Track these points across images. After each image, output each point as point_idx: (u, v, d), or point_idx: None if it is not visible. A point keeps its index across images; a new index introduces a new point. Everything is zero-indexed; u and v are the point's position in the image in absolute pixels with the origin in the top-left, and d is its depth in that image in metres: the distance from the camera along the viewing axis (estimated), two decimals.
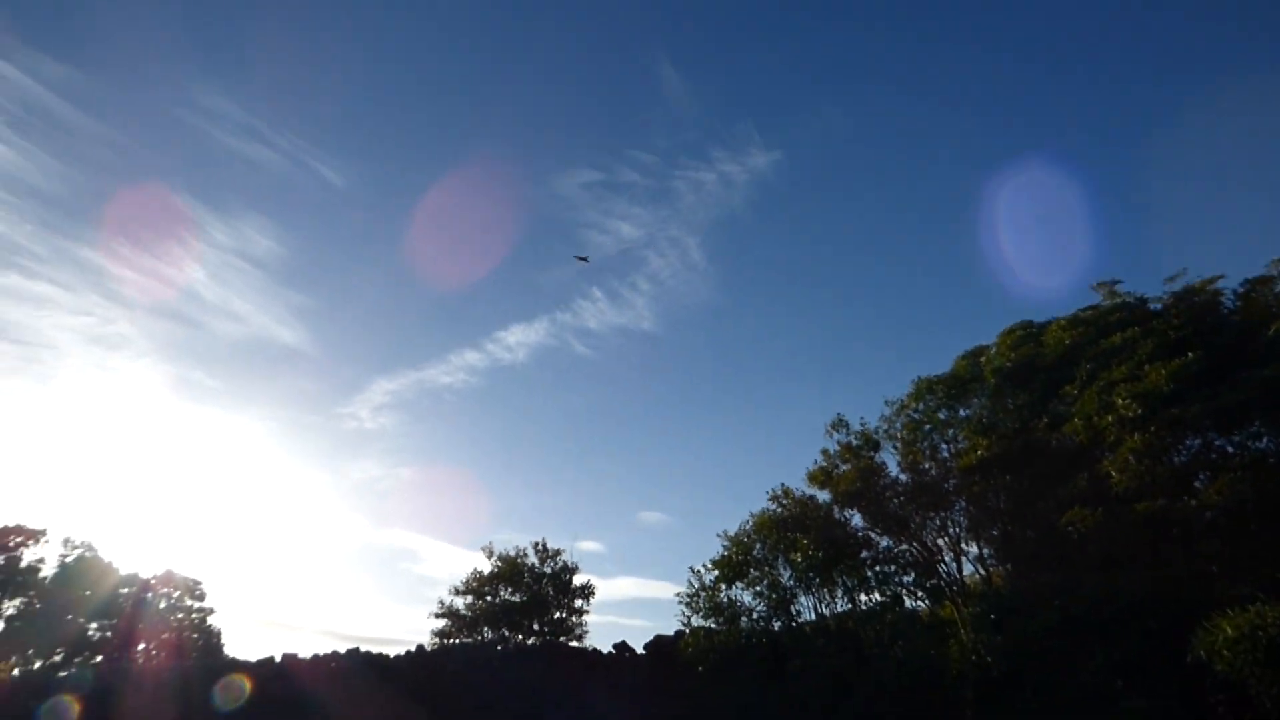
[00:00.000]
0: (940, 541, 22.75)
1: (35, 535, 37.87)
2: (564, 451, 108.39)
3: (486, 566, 26.60)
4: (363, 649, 22.81)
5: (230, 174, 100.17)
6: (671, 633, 24.91)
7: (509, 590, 25.72)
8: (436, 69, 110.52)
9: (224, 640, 43.19)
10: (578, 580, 26.69)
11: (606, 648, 25.03)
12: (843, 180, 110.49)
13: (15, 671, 32.80)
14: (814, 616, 23.99)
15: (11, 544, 36.86)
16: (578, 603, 26.10)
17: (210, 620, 43.92)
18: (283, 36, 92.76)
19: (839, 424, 24.10)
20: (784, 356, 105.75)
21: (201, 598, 43.66)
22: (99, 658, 36.92)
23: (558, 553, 26.62)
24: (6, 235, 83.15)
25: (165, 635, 40.95)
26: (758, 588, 23.77)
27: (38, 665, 35.81)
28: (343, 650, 22.89)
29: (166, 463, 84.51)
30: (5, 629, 36.60)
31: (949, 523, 22.25)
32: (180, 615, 42.63)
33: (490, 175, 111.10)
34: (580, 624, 25.91)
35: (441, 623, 25.53)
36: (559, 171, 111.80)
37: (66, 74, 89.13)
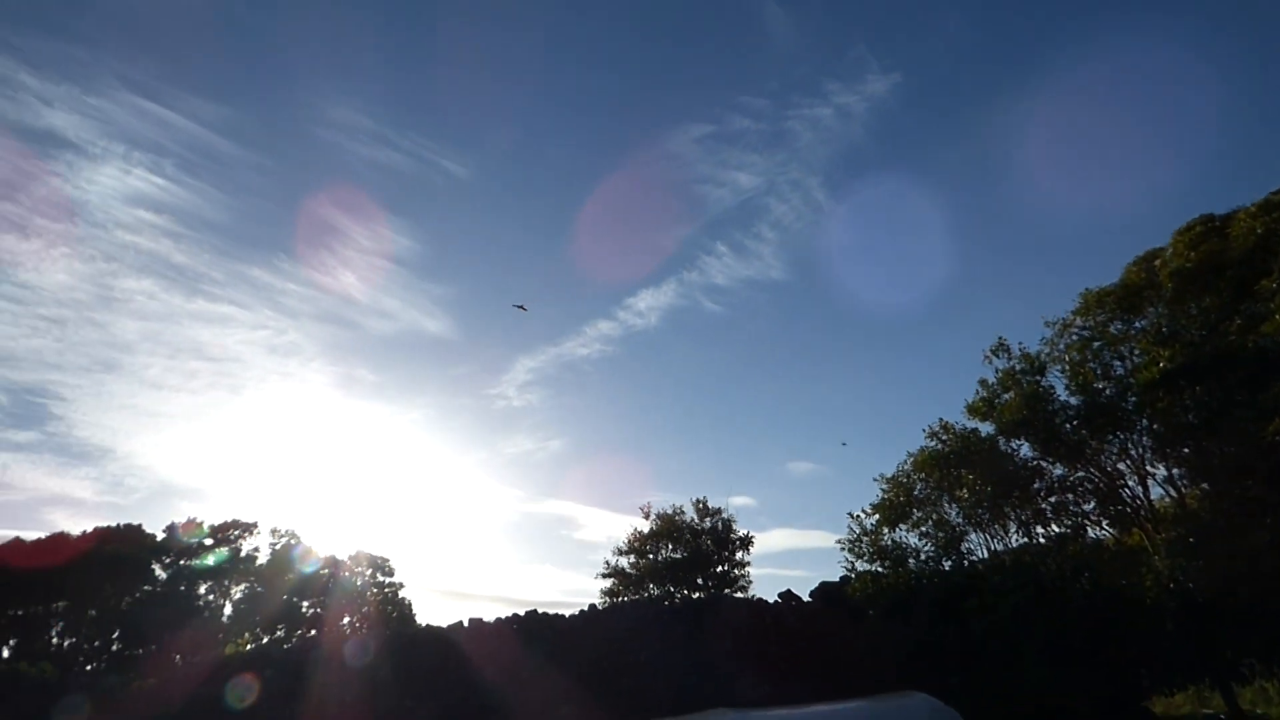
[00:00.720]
0: (1122, 465, 21.17)
1: (249, 528, 42.81)
2: (706, 410, 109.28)
3: (645, 526, 27.46)
4: (538, 611, 24.12)
5: (366, 181, 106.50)
6: (836, 579, 24.78)
7: (670, 547, 26.47)
8: (539, 43, 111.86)
9: (413, 610, 47.24)
10: (736, 533, 27.04)
11: (770, 599, 25.25)
12: (972, 93, 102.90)
13: (248, 646, 37.33)
14: (985, 554, 23.09)
15: (231, 536, 41.82)
16: (738, 555, 26.49)
17: (400, 593, 48.06)
18: (393, 42, 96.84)
19: (999, 349, 22.60)
20: (925, 288, 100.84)
21: (390, 573, 47.76)
22: (312, 631, 41.40)
23: (717, 511, 27.10)
24: (190, 266, 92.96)
25: (364, 608, 45.28)
26: (923, 528, 23.11)
27: (265, 640, 40.62)
28: (517, 614, 24.38)
29: (344, 453, 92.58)
30: (234, 610, 41.71)
31: (1130, 444, 20.62)
32: (374, 590, 46.89)
33: (603, 143, 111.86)
34: (742, 575, 26.31)
35: (608, 582, 26.71)
36: (669, 129, 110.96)
37: (221, 113, 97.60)
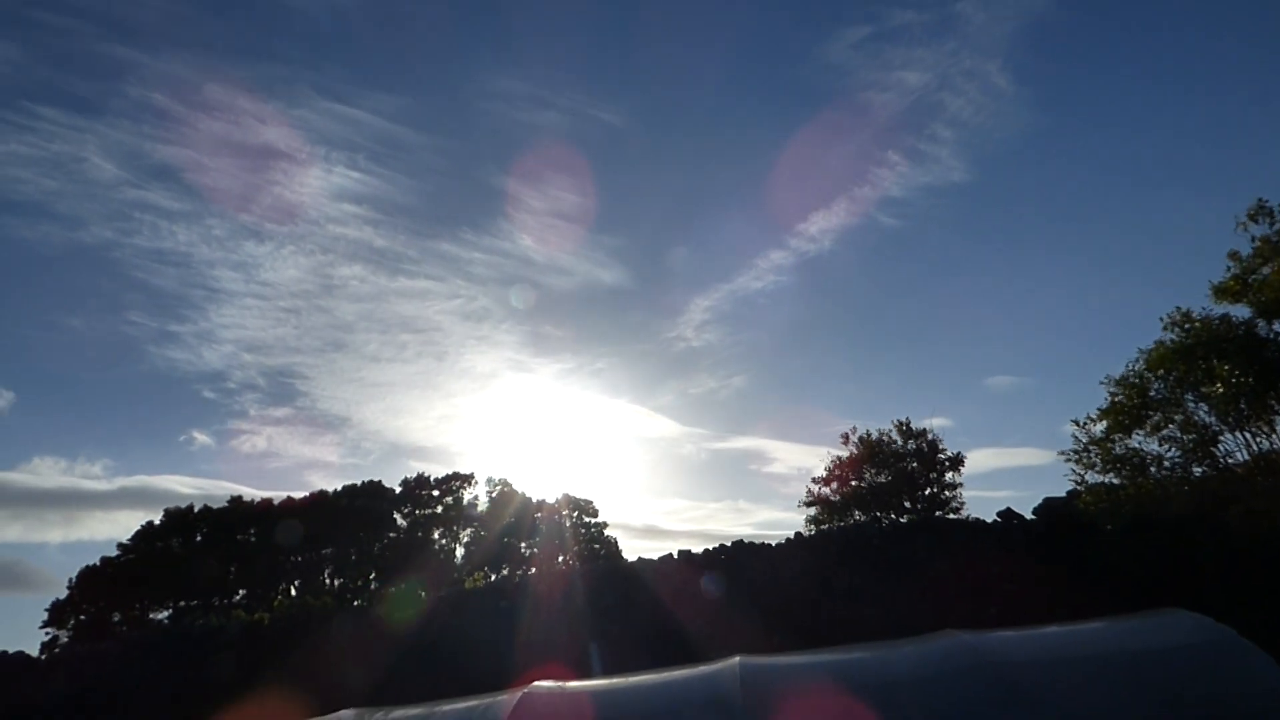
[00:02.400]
0: None
1: (468, 479, 47.06)
2: (892, 331, 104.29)
3: (845, 453, 26.77)
4: (744, 542, 24.35)
5: (529, 144, 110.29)
6: (1063, 494, 22.83)
7: (874, 472, 25.65)
8: None
9: (618, 547, 49.84)
10: (944, 452, 25.65)
11: (986, 520, 23.79)
12: None
13: (481, 583, 41.30)
14: (1246, 456, 20.13)
15: (455, 488, 46.20)
16: (949, 475, 25.14)
17: (605, 532, 50.77)
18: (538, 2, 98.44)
19: (1258, 212, 18.81)
20: (1138, 165, 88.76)
21: (595, 514, 50.53)
22: (532, 569, 44.94)
23: (921, 432, 25.82)
24: (390, 248, 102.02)
25: (573, 547, 48.43)
26: (1164, 431, 20.50)
27: (494, 578, 44.79)
28: (724, 544, 24.80)
29: (540, 405, 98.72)
30: (465, 553, 46.20)
31: None
32: (582, 530, 49.90)
33: (755, 67, 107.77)
34: (954, 496, 24.98)
35: (812, 510, 26.42)
36: (824, 39, 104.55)
37: (398, 103, 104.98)
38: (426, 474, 46.93)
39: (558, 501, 49.58)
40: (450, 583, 40.82)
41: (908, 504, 25.16)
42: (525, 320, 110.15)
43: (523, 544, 46.21)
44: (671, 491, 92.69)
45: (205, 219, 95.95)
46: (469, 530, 45.85)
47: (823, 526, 25.74)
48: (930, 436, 26.06)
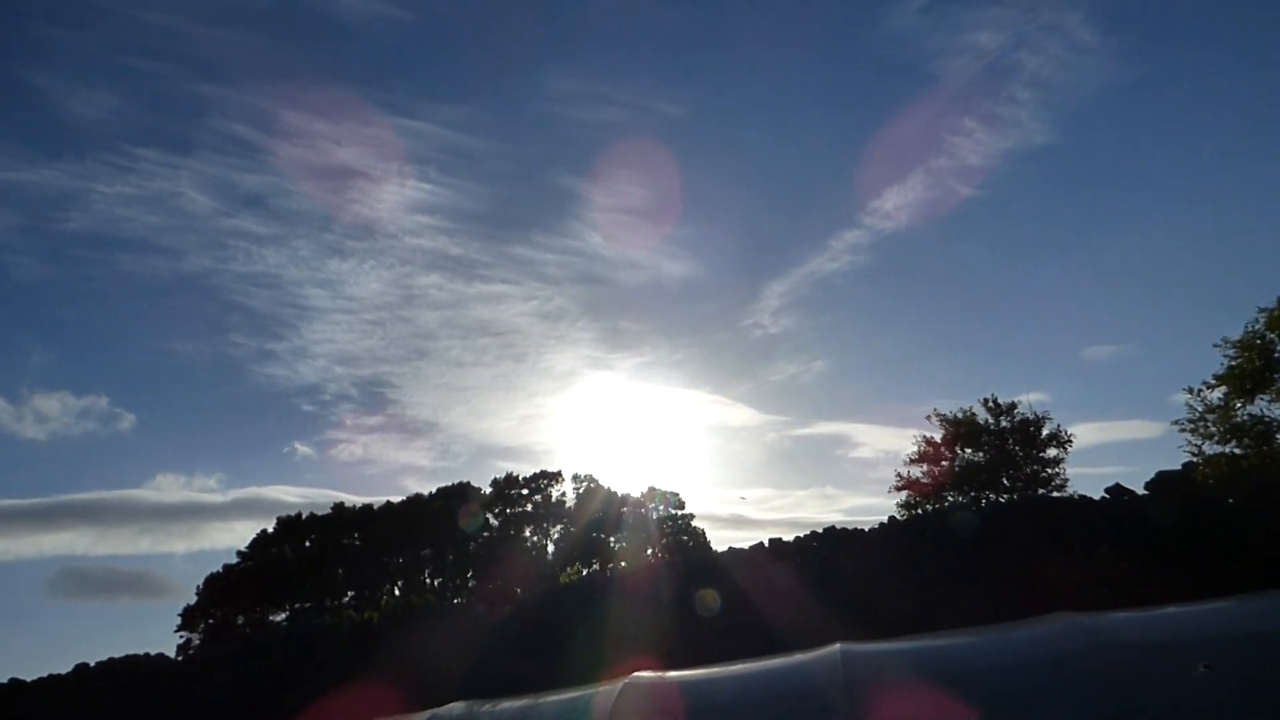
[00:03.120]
0: None
1: (555, 477, 47.99)
2: (977, 305, 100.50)
3: (935, 434, 25.91)
4: (836, 528, 23.94)
5: (592, 142, 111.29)
6: (1178, 467, 21.48)
7: (968, 452, 24.73)
8: None
9: (706, 538, 49.87)
10: (1045, 429, 24.44)
11: (1094, 496, 22.62)
12: None
13: (573, 578, 42.05)
14: None
15: (543, 485, 47.19)
16: (1050, 452, 23.97)
17: (693, 524, 50.86)
18: None
19: None
20: (1239, 112, 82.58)
21: (681, 506, 50.67)
22: (622, 563, 45.42)
23: (1012, 406, 24.69)
24: (464, 255, 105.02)
25: (662, 539, 48.72)
26: None
27: (584, 572, 45.55)
28: (815, 531, 24.43)
29: (621, 400, 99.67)
30: (555, 549, 47.15)
31: None
32: (669, 523, 50.11)
33: (816, 44, 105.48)
34: (1057, 474, 23.79)
35: (903, 494, 25.71)
36: (887, 8, 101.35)
37: (461, 112, 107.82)
38: (515, 473, 48.13)
39: (644, 495, 49.92)
40: (542, 579, 41.74)
41: (1006, 483, 24.16)
42: (600, 317, 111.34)
43: (611, 538, 46.78)
44: (756, 481, 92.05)
45: (291, 241, 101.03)
46: (558, 527, 46.74)
47: (915, 510, 25.01)
48: (1023, 413, 24.94)
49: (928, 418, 26.27)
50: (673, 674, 8.32)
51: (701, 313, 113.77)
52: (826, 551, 23.28)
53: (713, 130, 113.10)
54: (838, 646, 7.80)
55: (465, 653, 21.96)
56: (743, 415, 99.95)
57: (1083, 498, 22.15)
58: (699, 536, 49.16)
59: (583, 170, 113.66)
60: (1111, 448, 72.04)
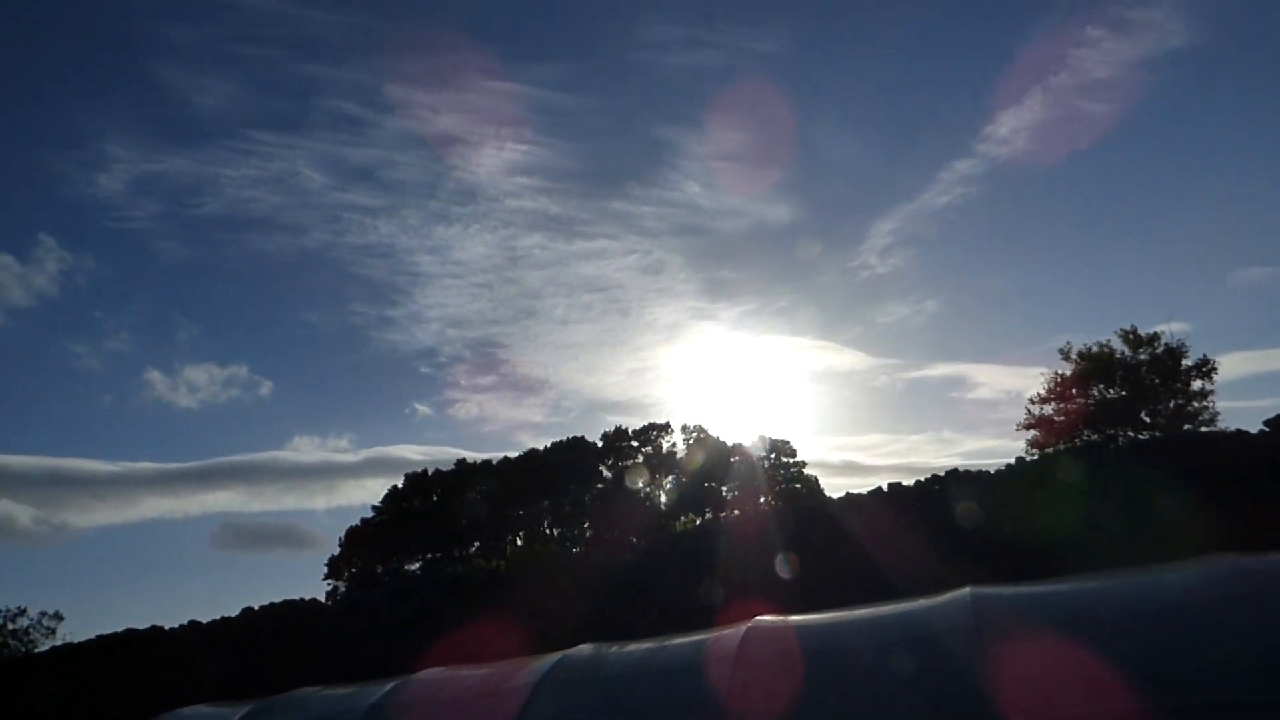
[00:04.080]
0: None
1: (664, 429, 48.62)
2: (1106, 231, 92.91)
3: (1064, 369, 24.34)
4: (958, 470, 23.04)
5: (688, 88, 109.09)
6: None
7: (1103, 388, 23.12)
8: None
9: (819, 485, 49.41)
10: (1187, 359, 22.50)
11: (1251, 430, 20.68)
12: None
13: (686, 527, 42.74)
14: None
15: (653, 437, 47.92)
16: (1196, 384, 22.06)
17: (805, 471, 50.43)
18: None
19: None
20: None
21: (792, 454, 50.29)
22: (734, 511, 45.70)
23: (1154, 337, 22.79)
24: (564, 213, 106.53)
25: (774, 487, 48.61)
26: None
27: (696, 521, 46.20)
28: (936, 475, 23.59)
29: (727, 349, 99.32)
30: (667, 499, 47.93)
31: None
32: (780, 471, 49.85)
33: None
34: (1205, 408, 21.90)
35: (1031, 433, 24.42)
36: None
37: (554, 71, 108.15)
38: (625, 426, 49.10)
39: (753, 444, 49.87)
40: (656, 528, 42.61)
41: (1146, 419, 22.47)
42: (702, 268, 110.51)
43: (722, 487, 47.11)
44: (868, 427, 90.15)
45: (401, 210, 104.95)
46: (669, 477, 47.49)
47: (1046, 450, 23.71)
48: (1165, 343, 22.96)
49: (1062, 352, 24.64)
50: (795, 618, 8.30)
51: (805, 257, 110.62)
52: (947, 496, 22.48)
53: (810, 66, 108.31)
54: (967, 590, 7.53)
55: (586, 599, 22.81)
56: (851, 360, 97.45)
57: (1237, 431, 20.31)
58: (811, 484, 48.79)
59: (678, 119, 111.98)
60: (1267, 378, 65.52)
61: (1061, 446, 23.18)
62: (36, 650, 27.49)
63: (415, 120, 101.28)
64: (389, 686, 9.18)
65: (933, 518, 22.38)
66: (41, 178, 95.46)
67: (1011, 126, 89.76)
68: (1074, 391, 23.67)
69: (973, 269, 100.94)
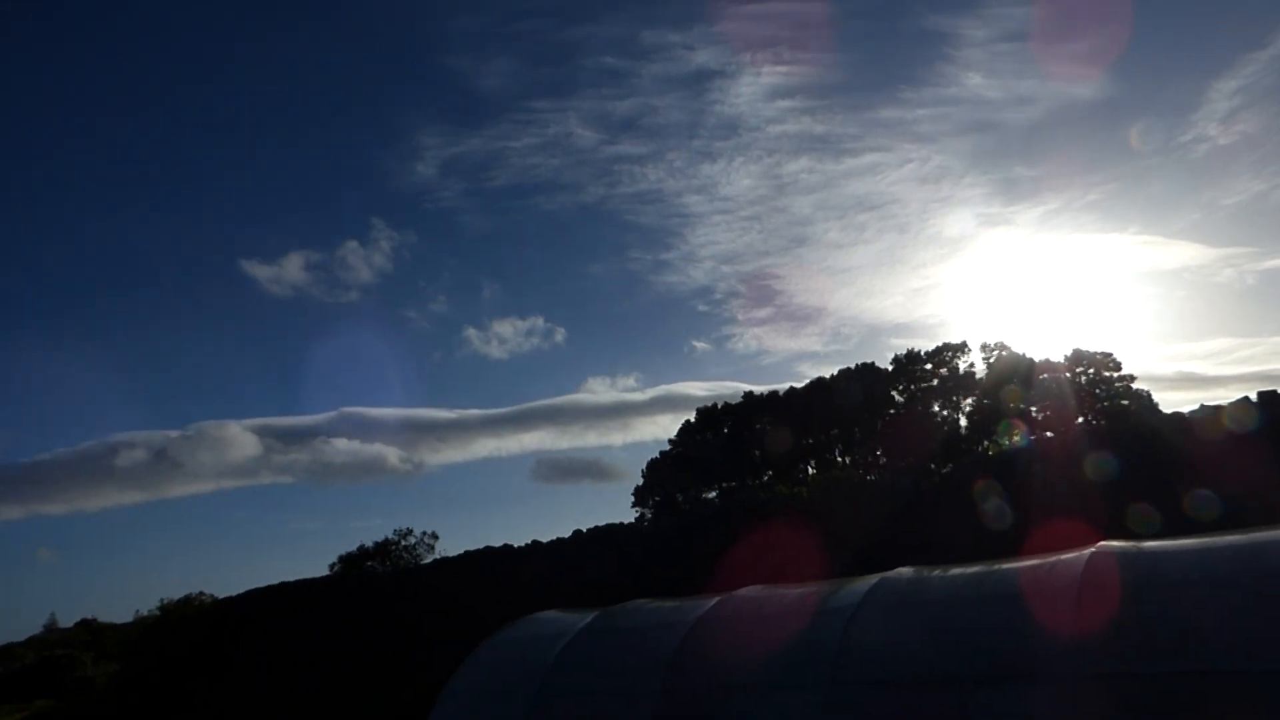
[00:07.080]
0: None
1: (960, 349, 45.54)
2: None
3: None
4: None
5: None
6: None
7: None
8: None
9: (1152, 401, 43.18)
10: None
11: None
12: None
13: (993, 450, 39.81)
14: None
15: (948, 358, 45.13)
16: None
17: (1132, 386, 44.36)
18: None
19: None
20: None
21: (1115, 368, 44.47)
22: (1047, 433, 41.51)
23: None
24: (829, 132, 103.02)
25: (1092, 406, 43.34)
26: None
27: (1004, 445, 42.75)
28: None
29: (1027, 257, 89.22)
30: (968, 423, 44.85)
31: None
32: (1100, 388, 44.33)
33: None
34: None
35: None
36: None
37: None
38: (916, 348, 46.63)
39: (1067, 359, 44.59)
40: (955, 453, 40.21)
41: None
42: (991, 168, 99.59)
43: (1033, 408, 43.03)
44: (1211, 331, 75.51)
45: (666, 155, 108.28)
46: (969, 400, 44.36)
47: None
48: None
49: None
50: (1150, 543, 7.44)
51: (1118, 139, 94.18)
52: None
53: None
54: None
55: (886, 522, 22.45)
56: (1185, 253, 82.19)
57: None
58: (1143, 400, 42.62)
59: (949, 3, 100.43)
60: None
61: None
62: (422, 562, 33.95)
63: (672, 61, 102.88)
64: (714, 600, 9.95)
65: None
66: (374, 173, 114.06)
67: None
68: None
69: None
